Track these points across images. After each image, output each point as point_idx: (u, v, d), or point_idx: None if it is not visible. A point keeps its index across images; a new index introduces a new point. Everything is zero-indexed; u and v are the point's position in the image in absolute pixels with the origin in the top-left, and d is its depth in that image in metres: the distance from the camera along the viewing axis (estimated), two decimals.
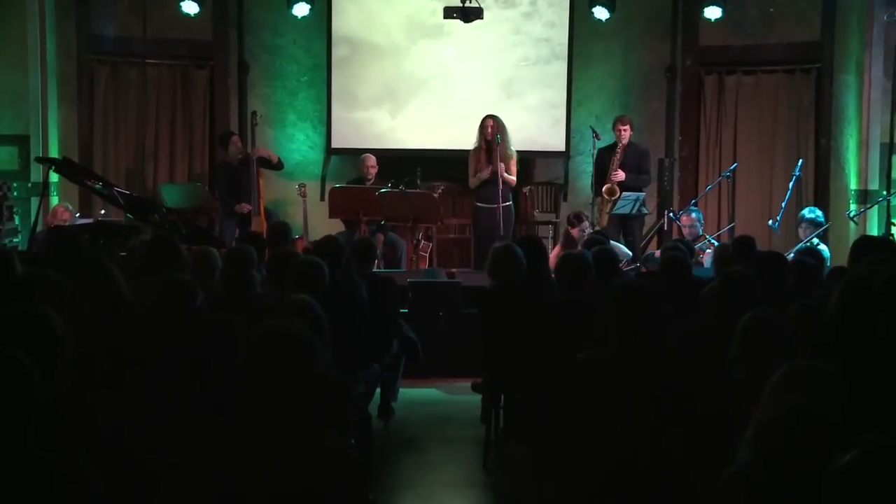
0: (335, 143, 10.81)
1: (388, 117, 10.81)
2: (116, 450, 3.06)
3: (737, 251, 6.14)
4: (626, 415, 3.67)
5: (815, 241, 8.29)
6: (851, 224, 9.35)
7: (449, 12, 9.83)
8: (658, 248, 8.94)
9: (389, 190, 9.09)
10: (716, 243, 8.56)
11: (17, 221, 9.36)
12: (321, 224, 9.80)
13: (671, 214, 9.55)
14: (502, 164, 9.27)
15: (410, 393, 7.06)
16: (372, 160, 9.87)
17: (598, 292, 5.06)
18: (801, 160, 9.66)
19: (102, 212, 9.53)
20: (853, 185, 9.98)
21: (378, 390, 6.24)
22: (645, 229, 10.06)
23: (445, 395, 7.39)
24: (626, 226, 9.58)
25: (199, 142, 10.84)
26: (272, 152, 10.11)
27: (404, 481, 5.59)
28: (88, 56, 10.40)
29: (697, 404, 3.64)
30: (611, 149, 9.67)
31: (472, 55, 10.78)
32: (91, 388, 3.30)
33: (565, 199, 10.96)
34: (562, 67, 10.75)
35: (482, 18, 9.85)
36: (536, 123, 10.77)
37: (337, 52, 10.72)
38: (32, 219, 8.21)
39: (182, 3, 10.14)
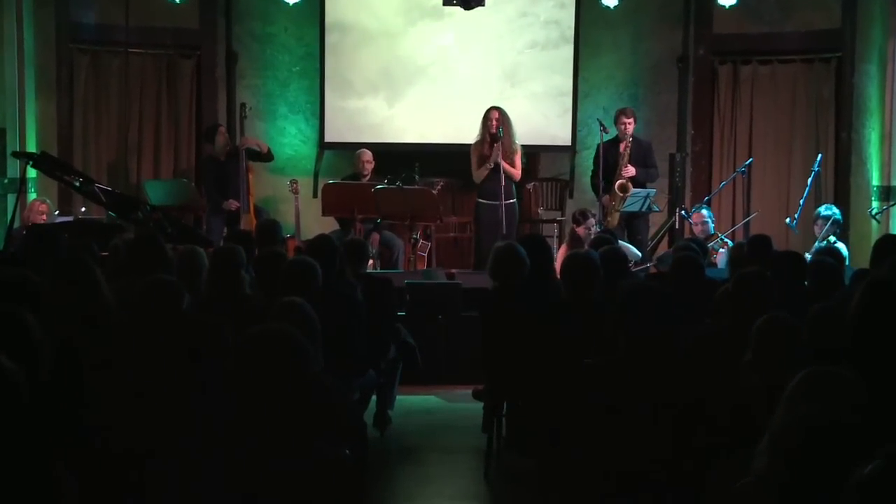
0: (329, 137, 10.80)
1: (385, 106, 10.78)
2: (98, 456, 3.07)
3: (752, 251, 6.15)
4: (636, 424, 3.68)
5: (833, 238, 8.31)
6: (873, 222, 9.36)
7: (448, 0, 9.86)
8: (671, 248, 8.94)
9: (386, 186, 9.09)
10: (730, 242, 8.57)
11: None
12: (314, 222, 9.81)
13: (683, 212, 9.56)
14: (504, 163, 9.25)
15: (408, 400, 7.06)
16: (368, 155, 9.88)
17: (605, 294, 5.07)
18: (820, 155, 9.67)
19: (83, 209, 9.55)
20: (875, 180, 9.98)
21: (374, 398, 6.25)
22: (655, 228, 10.07)
23: (445, 402, 7.40)
24: (631, 224, 9.55)
25: (184, 135, 10.85)
26: (261, 141, 10.13)
27: (401, 494, 5.61)
28: (68, 45, 10.39)
29: (710, 413, 3.65)
30: (613, 143, 9.62)
31: (474, 39, 10.72)
32: (70, 393, 3.31)
33: (571, 197, 10.95)
34: (571, 52, 10.67)
35: (483, 6, 9.85)
36: (544, 113, 10.74)
37: (330, 39, 10.70)
38: (9, 217, 8.21)
39: None
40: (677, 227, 9.82)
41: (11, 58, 9.68)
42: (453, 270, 8.74)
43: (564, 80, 10.72)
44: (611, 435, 3.72)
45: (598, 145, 9.59)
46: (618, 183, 9.45)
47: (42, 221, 8.64)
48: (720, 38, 10.89)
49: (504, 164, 9.27)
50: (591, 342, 4.44)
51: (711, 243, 8.58)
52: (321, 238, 6.10)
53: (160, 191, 9.81)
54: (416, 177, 9.40)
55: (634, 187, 9.44)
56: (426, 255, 9.49)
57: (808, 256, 6.65)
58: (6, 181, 9.62)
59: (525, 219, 10.50)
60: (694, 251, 6.29)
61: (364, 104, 10.77)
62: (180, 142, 10.86)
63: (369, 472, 5.27)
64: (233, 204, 9.71)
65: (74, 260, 4.65)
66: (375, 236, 9.49)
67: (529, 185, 10.76)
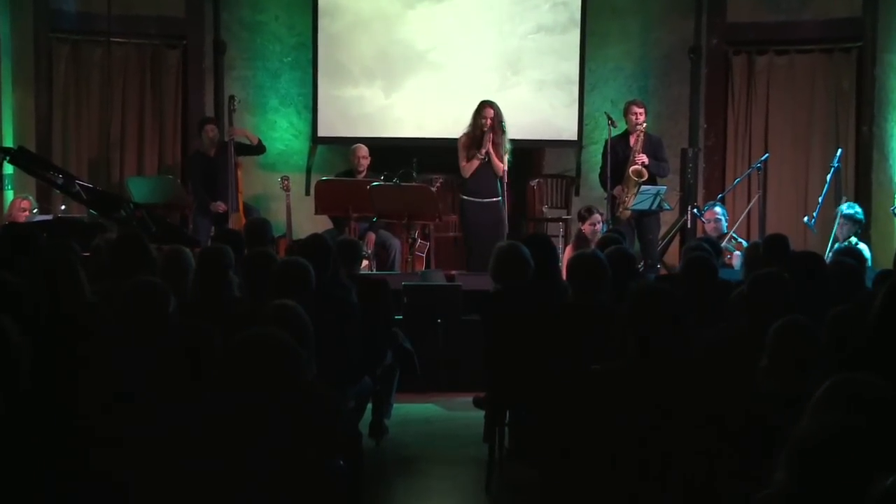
0: (322, 131, 10.80)
1: (381, 95, 10.76)
2: (82, 462, 3.08)
3: (768, 251, 6.15)
4: (645, 433, 3.68)
5: (854, 239, 8.31)
6: None
7: None
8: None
9: (382, 183, 9.09)
10: (744, 242, 8.57)
11: None
12: (306, 221, 9.82)
13: (695, 210, 9.56)
14: (495, 156, 9.18)
15: (405, 409, 7.07)
16: (363, 150, 9.87)
17: (614, 297, 5.07)
18: (840, 150, 9.67)
19: (63, 207, 9.55)
20: None
21: (370, 406, 6.26)
22: (666, 227, 10.06)
23: (444, 411, 7.41)
24: (641, 223, 9.51)
25: (170, 129, 10.84)
26: (251, 133, 10.12)
27: None
28: (47, 34, 10.39)
29: (724, 421, 3.65)
30: (622, 138, 9.57)
31: (476, 23, 10.67)
32: (51, 400, 3.32)
33: (577, 194, 10.95)
34: (579, 38, 10.66)
35: None
36: (550, 102, 10.73)
37: (324, 24, 10.66)
38: None
39: None
40: (689, 225, 9.82)
41: None
42: (453, 272, 8.73)
43: (572, 67, 10.68)
44: (618, 444, 3.72)
45: (606, 140, 9.56)
46: (632, 168, 9.34)
47: (24, 219, 8.65)
48: (734, 27, 10.90)
49: (493, 155, 9.17)
50: (598, 347, 4.44)
51: (724, 243, 8.57)
52: (314, 238, 6.10)
53: (144, 188, 9.81)
54: (414, 173, 9.40)
55: (643, 185, 9.42)
56: (424, 255, 9.49)
57: (827, 257, 6.66)
58: None
59: (528, 217, 10.49)
60: (706, 251, 6.29)
61: (359, 93, 10.75)
62: (165, 136, 10.85)
63: (365, 484, 5.26)
64: (220, 206, 9.69)
65: (55, 259, 4.66)
66: (371, 236, 9.49)
67: (533, 182, 10.75)
